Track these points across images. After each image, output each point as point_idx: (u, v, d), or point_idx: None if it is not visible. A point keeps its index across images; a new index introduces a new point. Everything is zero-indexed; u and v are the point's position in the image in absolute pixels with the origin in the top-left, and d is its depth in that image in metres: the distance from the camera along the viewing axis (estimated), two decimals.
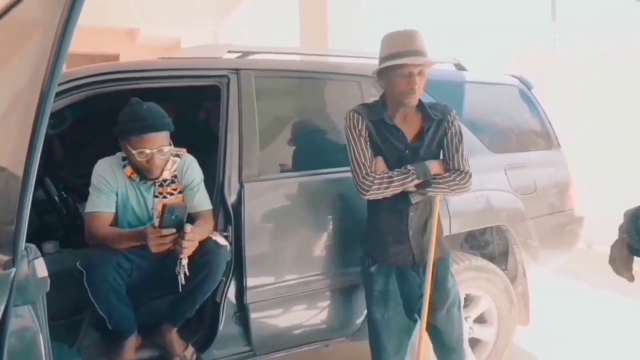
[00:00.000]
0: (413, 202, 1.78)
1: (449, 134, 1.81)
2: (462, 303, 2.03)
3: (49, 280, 0.96)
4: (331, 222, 2.13)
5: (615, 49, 4.48)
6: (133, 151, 1.78)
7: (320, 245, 2.11)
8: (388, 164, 1.79)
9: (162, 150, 1.82)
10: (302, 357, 2.67)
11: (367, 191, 1.76)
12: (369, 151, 1.80)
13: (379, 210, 1.84)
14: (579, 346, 2.86)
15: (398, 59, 1.69)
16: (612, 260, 1.14)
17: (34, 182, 0.91)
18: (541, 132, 2.89)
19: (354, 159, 1.79)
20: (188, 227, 1.68)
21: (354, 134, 1.80)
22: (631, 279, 1.13)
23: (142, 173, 1.85)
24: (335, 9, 4.88)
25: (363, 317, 2.18)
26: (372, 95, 2.38)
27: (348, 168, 2.25)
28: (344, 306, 2.18)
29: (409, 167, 1.75)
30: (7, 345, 0.88)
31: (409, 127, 1.82)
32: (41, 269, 0.95)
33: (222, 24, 8.56)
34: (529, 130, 2.85)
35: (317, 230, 2.11)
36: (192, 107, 2.80)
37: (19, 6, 1.14)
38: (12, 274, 0.89)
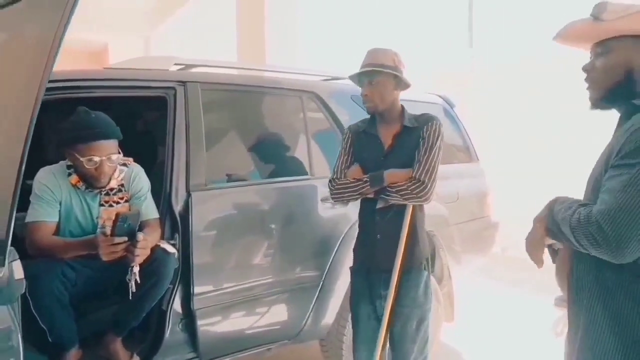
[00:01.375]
0: (377, 207, 1.86)
1: (420, 144, 1.84)
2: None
3: (25, 282, 0.98)
4: (275, 230, 2.23)
5: (527, 69, 5.01)
6: (82, 159, 1.78)
7: (265, 252, 2.20)
8: (367, 170, 1.89)
9: (110, 158, 1.83)
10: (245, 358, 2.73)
11: (331, 195, 1.93)
12: (346, 160, 1.95)
13: (360, 212, 1.96)
14: (497, 339, 3.17)
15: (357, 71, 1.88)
16: (527, 246, 1.28)
17: (19, 190, 0.94)
18: (462, 146, 3.20)
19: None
20: (140, 235, 1.71)
21: (341, 146, 1.99)
22: (540, 263, 1.26)
23: (90, 181, 1.85)
24: (273, 23, 5.01)
25: (305, 319, 2.30)
26: (312, 109, 2.54)
27: (290, 178, 2.39)
28: (288, 310, 2.28)
29: (368, 175, 1.86)
30: None
31: (388, 136, 1.91)
32: (18, 271, 0.96)
33: (154, 31, 8.39)
34: (452, 145, 3.14)
35: (262, 238, 2.20)
36: (134, 117, 2.78)
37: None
38: (1, 275, 0.90)
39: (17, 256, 1.00)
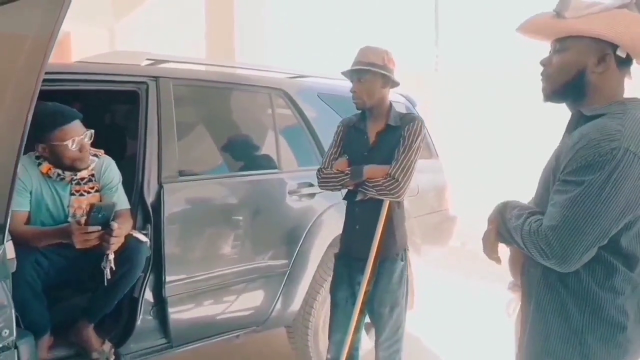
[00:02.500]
0: (356, 199, 1.97)
1: (400, 142, 1.92)
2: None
3: (15, 261, 1.05)
4: (244, 221, 2.33)
5: (491, 71, 5.24)
6: (64, 142, 1.83)
7: (234, 241, 2.29)
8: (353, 163, 1.98)
9: (85, 137, 1.91)
10: (215, 348, 2.81)
11: (318, 183, 2.06)
12: (335, 152, 2.06)
13: (347, 203, 2.06)
14: (454, 326, 3.37)
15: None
16: (484, 248, 1.36)
17: (16, 179, 1.01)
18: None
19: None
20: (115, 225, 1.78)
21: (333, 138, 2.10)
22: (498, 261, 1.35)
23: (74, 164, 1.90)
24: (242, 16, 5.05)
25: (272, 306, 2.40)
26: (280, 105, 2.64)
27: (259, 171, 2.49)
28: (256, 297, 2.38)
29: (349, 168, 1.97)
30: None
31: (374, 132, 2.00)
32: (10, 251, 1.04)
33: (119, 23, 8.23)
34: None
35: (232, 228, 2.30)
36: (107, 111, 2.81)
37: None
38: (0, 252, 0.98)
39: (10, 237, 1.07)
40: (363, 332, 2.20)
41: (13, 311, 1.08)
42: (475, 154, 5.25)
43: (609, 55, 1.13)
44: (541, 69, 1.24)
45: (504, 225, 1.24)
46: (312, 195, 2.47)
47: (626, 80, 1.19)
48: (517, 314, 1.38)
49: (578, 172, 1.07)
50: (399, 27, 6.27)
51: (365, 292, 1.97)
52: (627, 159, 1.04)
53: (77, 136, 1.87)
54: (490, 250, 1.33)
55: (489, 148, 5.17)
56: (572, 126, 1.21)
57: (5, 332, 1.08)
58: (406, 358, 2.62)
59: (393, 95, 3.31)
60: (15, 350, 1.13)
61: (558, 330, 1.16)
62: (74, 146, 1.87)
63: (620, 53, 1.13)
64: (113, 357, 1.93)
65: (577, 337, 1.13)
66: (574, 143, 1.11)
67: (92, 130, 1.95)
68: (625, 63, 1.16)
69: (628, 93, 1.20)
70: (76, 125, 1.88)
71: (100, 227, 1.76)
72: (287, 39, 6.56)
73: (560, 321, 1.16)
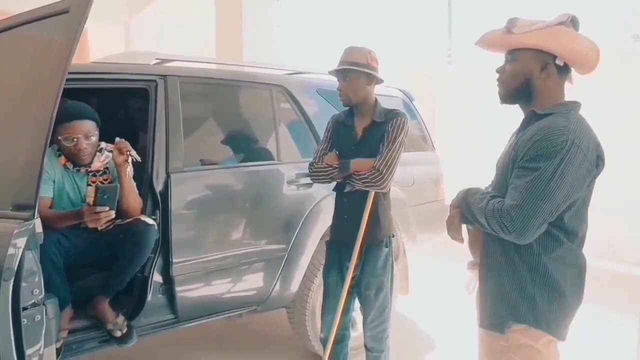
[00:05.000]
0: (345, 191, 2.10)
1: (384, 137, 2.04)
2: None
3: (42, 234, 1.28)
4: (246, 208, 2.52)
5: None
6: (60, 138, 2.03)
7: (236, 227, 2.49)
8: (342, 157, 2.10)
9: (88, 137, 2.08)
10: (222, 328, 3.02)
11: (309, 176, 2.20)
12: (326, 147, 2.19)
13: (336, 194, 2.21)
14: (447, 310, 3.53)
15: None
16: (448, 230, 1.56)
17: (43, 168, 1.24)
18: (419, 136, 3.52)
19: None
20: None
21: (324, 134, 2.25)
22: (461, 241, 1.55)
23: (73, 159, 2.11)
24: (250, 14, 5.21)
25: (272, 287, 2.59)
26: (281, 100, 2.81)
27: (260, 162, 2.67)
28: (257, 279, 2.57)
29: (338, 162, 2.09)
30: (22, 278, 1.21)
31: (361, 127, 2.13)
32: (39, 226, 1.27)
33: (133, 18, 8.47)
34: (410, 135, 3.43)
35: (234, 215, 2.49)
36: (120, 107, 3.02)
37: (30, 25, 1.43)
38: (32, 225, 1.20)
39: (38, 215, 1.29)
40: (355, 314, 2.37)
41: (42, 275, 1.31)
42: (487, 148, 5.27)
43: (550, 64, 1.36)
44: None
45: (468, 209, 1.43)
46: (309, 184, 2.61)
47: (567, 85, 1.41)
48: (476, 290, 1.55)
49: (534, 160, 1.28)
50: (411, 22, 6.29)
51: (353, 277, 2.13)
52: (573, 150, 1.25)
53: (76, 134, 2.05)
54: (455, 232, 1.52)
55: (502, 143, 5.20)
56: (525, 124, 1.42)
57: (36, 291, 1.32)
58: (402, 340, 2.80)
59: (390, 90, 3.48)
60: (44, 307, 1.36)
61: (514, 294, 1.37)
62: (67, 142, 2.05)
63: (559, 62, 1.35)
64: (126, 329, 2.13)
65: (528, 300, 1.35)
66: (530, 136, 1.32)
67: (97, 132, 2.13)
68: (564, 70, 1.38)
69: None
70: (74, 124, 2.05)
71: (107, 208, 1.97)
72: (296, 37, 6.69)
73: (515, 287, 1.37)
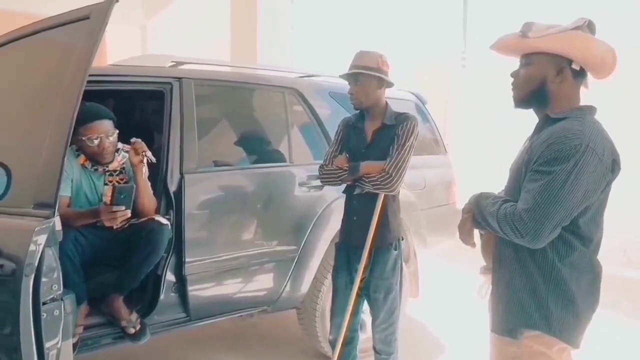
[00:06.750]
0: (354, 193, 2.11)
1: (395, 140, 2.05)
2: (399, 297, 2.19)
3: (62, 232, 1.33)
4: (258, 209, 2.56)
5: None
6: (83, 138, 2.09)
7: (248, 228, 2.52)
8: (352, 160, 2.12)
9: (108, 136, 2.15)
10: (233, 328, 3.05)
11: (320, 178, 2.21)
12: (336, 149, 2.21)
13: (346, 196, 2.23)
14: (457, 314, 3.52)
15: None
16: (460, 234, 1.55)
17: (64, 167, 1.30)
18: (431, 140, 3.52)
19: None
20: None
21: (334, 137, 2.27)
22: (473, 245, 1.53)
23: (96, 158, 2.17)
24: (265, 23, 5.26)
25: (283, 288, 2.62)
26: (293, 103, 2.84)
27: (272, 164, 2.71)
28: (268, 279, 2.60)
29: (348, 164, 2.09)
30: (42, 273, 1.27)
31: (371, 130, 2.14)
32: (58, 224, 1.32)
33: (150, 21, 8.60)
34: (422, 138, 3.45)
35: (246, 216, 2.53)
36: (136, 108, 3.09)
37: (52, 31, 1.50)
38: (52, 223, 1.25)
39: (58, 213, 1.34)
40: (364, 316, 2.39)
41: (60, 272, 1.36)
42: (500, 152, 5.24)
43: (566, 68, 1.35)
44: None
45: (480, 213, 1.43)
46: (321, 187, 2.63)
47: (582, 90, 1.40)
48: (489, 295, 1.55)
49: (548, 163, 1.27)
50: (425, 24, 6.27)
51: (361, 279, 2.14)
52: (587, 153, 1.25)
53: (99, 134, 2.12)
54: (466, 236, 1.51)
55: (515, 146, 5.16)
56: (539, 128, 1.42)
57: (55, 287, 1.37)
58: (411, 343, 2.80)
59: (403, 94, 3.49)
60: (62, 302, 1.41)
61: (527, 300, 1.37)
62: (91, 142, 2.12)
63: (575, 66, 1.34)
64: (139, 326, 2.18)
65: (541, 306, 1.35)
66: (544, 140, 1.32)
67: (117, 131, 2.19)
68: (580, 75, 1.37)
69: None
70: (96, 124, 2.11)
71: (124, 207, 2.01)
72: (310, 38, 6.72)
73: (529, 292, 1.36)
